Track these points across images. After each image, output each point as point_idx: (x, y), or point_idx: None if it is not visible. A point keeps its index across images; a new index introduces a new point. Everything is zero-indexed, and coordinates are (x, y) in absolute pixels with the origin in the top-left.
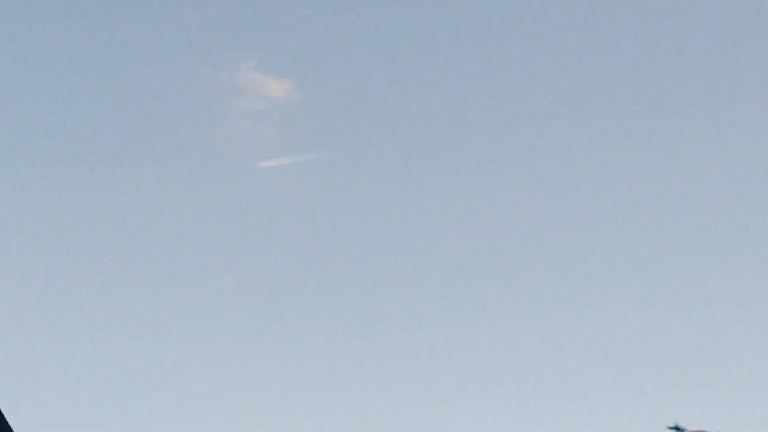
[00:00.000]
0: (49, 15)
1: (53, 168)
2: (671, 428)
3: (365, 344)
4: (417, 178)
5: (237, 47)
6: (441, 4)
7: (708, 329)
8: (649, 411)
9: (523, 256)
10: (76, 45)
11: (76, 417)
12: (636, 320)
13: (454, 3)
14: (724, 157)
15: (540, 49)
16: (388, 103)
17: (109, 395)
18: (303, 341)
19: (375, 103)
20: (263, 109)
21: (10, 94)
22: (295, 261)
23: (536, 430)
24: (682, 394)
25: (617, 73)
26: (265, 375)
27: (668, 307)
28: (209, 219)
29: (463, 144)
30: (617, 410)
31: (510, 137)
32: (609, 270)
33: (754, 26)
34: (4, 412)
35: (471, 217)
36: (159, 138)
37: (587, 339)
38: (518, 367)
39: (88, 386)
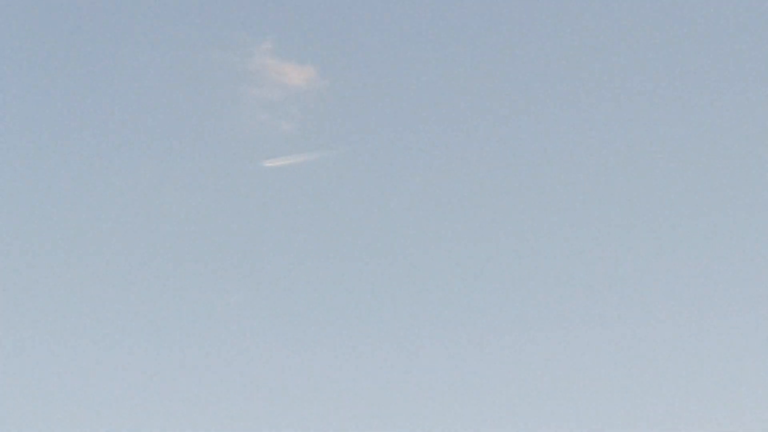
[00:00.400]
0: None
1: (43, 162)
2: None
3: (377, 349)
4: (446, 177)
5: (251, 27)
6: None
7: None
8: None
9: (546, 259)
10: (65, 23)
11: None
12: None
13: None
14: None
15: (571, 48)
16: (423, 94)
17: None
18: (311, 346)
19: (409, 94)
20: (281, 100)
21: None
22: (309, 265)
23: None
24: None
25: (624, 64)
26: (274, 380)
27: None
28: (214, 222)
29: (499, 143)
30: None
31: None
32: (619, 269)
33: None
34: None
35: (496, 218)
36: (159, 131)
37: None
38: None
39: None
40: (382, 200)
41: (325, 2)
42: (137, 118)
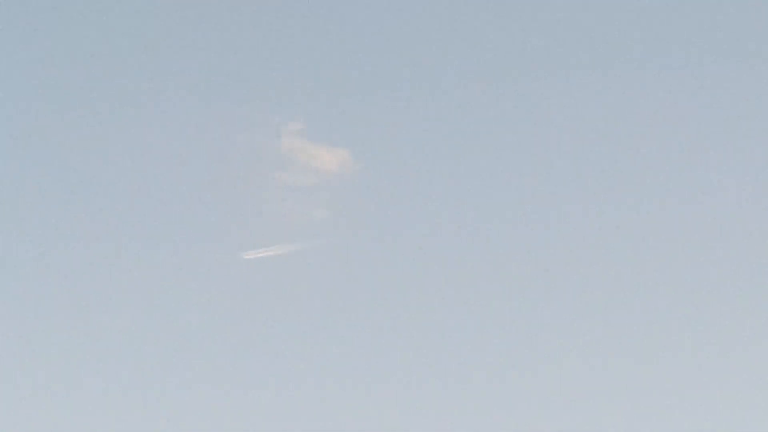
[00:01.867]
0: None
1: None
2: None
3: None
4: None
5: (279, 107)
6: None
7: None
8: None
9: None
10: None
11: None
12: None
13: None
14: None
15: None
16: (463, 179)
17: None
18: None
19: (449, 179)
20: (312, 185)
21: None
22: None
23: None
24: None
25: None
26: None
27: None
28: (233, 317)
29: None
30: None
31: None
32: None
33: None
34: None
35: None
36: (178, 216)
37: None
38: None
39: None
40: (414, 289)
41: (360, 82)
42: (154, 201)
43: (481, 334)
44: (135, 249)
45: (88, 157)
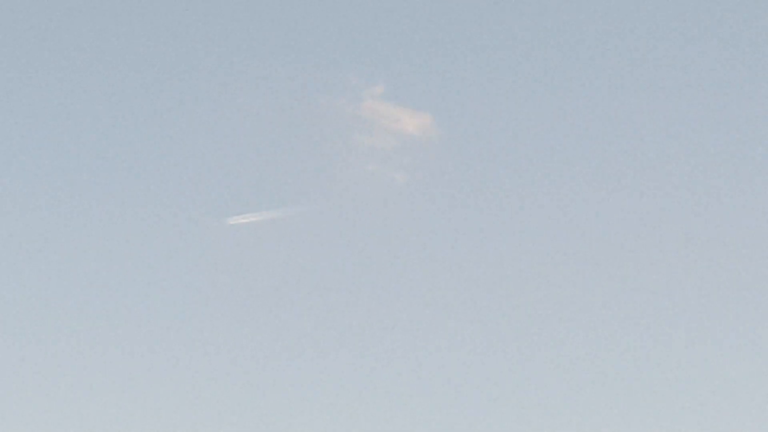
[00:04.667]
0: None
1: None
2: None
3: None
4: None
5: (362, 70)
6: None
7: None
8: None
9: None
10: (171, 63)
11: None
12: None
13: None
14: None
15: None
16: (546, 147)
17: None
18: None
19: (530, 146)
20: (393, 148)
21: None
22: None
23: None
24: None
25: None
26: None
27: None
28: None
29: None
30: None
31: None
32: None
33: None
34: None
35: None
36: (261, 179)
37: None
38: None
39: None
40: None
41: (443, 45)
42: (239, 163)
43: (559, 306)
44: (220, 207)
45: (172, 114)
